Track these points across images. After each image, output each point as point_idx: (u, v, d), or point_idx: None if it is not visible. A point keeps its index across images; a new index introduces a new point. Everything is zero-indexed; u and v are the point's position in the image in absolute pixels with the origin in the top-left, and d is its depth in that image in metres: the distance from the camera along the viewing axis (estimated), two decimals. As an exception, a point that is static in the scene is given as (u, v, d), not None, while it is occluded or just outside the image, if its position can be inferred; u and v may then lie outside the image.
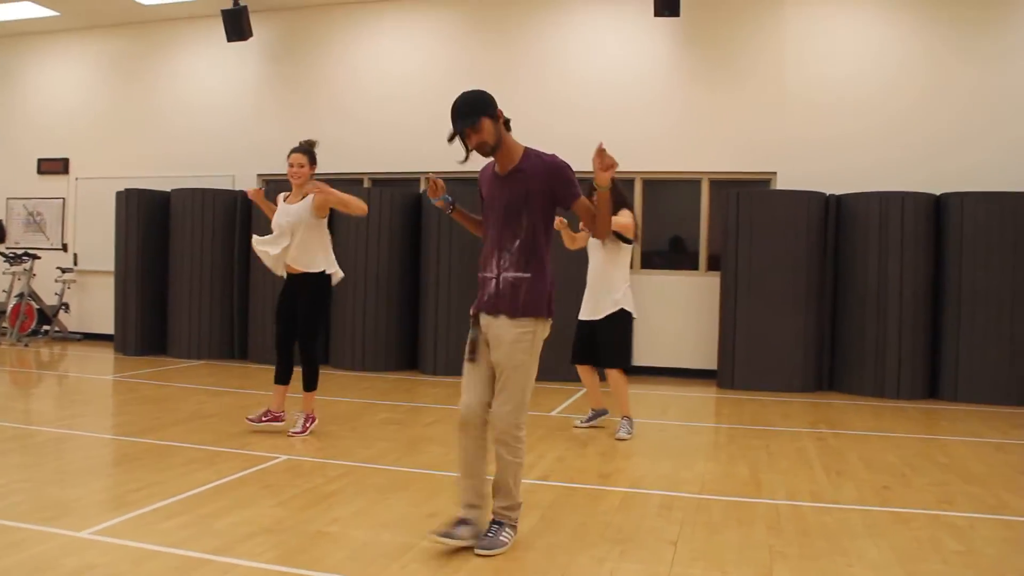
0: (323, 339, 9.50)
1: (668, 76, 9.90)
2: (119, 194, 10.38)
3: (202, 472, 4.90)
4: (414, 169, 10.57)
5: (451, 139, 3.71)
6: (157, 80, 11.71)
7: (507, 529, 3.78)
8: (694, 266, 9.85)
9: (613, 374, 6.31)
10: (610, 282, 6.26)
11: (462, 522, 3.78)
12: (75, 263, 11.95)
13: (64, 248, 12.12)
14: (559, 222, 5.76)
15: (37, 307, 11.55)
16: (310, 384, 6.06)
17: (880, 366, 8.31)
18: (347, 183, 10.62)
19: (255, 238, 6.02)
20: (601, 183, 3.69)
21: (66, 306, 11.78)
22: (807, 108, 9.41)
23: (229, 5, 10.37)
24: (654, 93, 9.90)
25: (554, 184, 3.69)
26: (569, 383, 8.42)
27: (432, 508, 4.34)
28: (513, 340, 3.70)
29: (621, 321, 6.28)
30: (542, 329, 3.77)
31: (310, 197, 5.83)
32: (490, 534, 3.75)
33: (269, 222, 6.07)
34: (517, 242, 3.70)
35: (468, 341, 3.85)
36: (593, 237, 3.82)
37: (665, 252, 10.10)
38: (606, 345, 6.28)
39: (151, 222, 10.24)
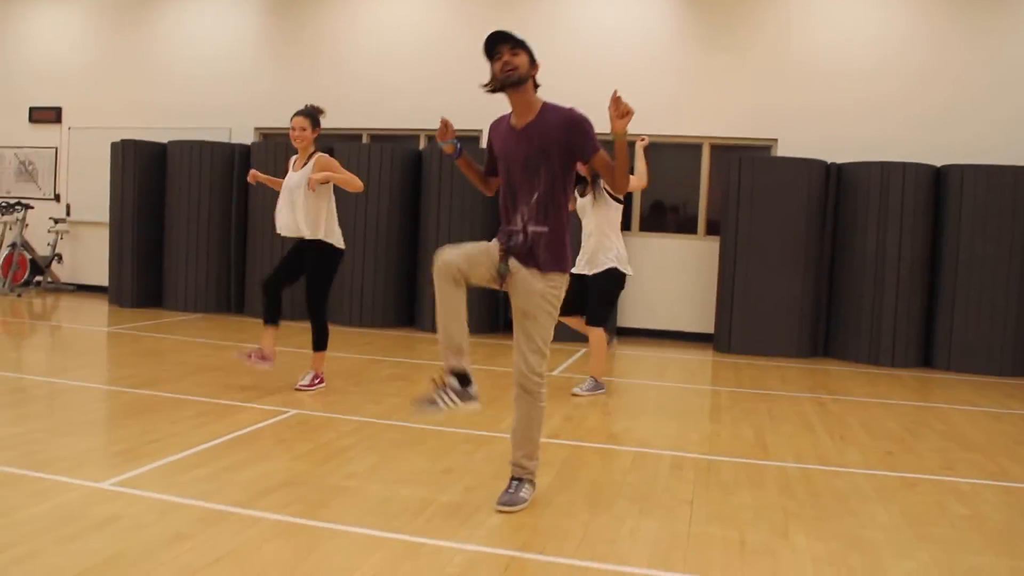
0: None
1: (671, 40, 9.84)
2: (114, 145, 10.24)
3: (214, 425, 4.91)
4: (413, 126, 10.50)
5: (488, 49, 3.61)
6: (153, 30, 11.49)
7: (527, 485, 3.83)
8: (693, 230, 9.89)
9: (595, 333, 6.35)
10: (607, 240, 6.31)
11: (457, 378, 3.65)
12: (68, 213, 11.81)
13: (56, 198, 11.98)
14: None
15: (30, 257, 11.43)
16: (320, 344, 6.09)
17: (876, 334, 8.42)
18: (346, 139, 10.55)
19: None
20: (618, 131, 3.53)
21: (59, 257, 11.67)
22: (810, 76, 9.40)
23: (228, -47, 10.18)
24: (657, 57, 9.84)
25: (572, 136, 3.63)
26: (569, 342, 8.47)
27: (448, 464, 4.38)
28: (542, 293, 3.68)
29: (615, 279, 6.33)
30: (565, 282, 3.78)
31: (312, 162, 5.86)
32: (510, 491, 3.79)
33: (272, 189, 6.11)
34: (536, 195, 3.66)
35: (498, 273, 3.70)
36: (613, 192, 3.77)
37: (664, 216, 10.12)
38: (594, 301, 6.33)
39: (147, 174, 10.12)
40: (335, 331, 8.89)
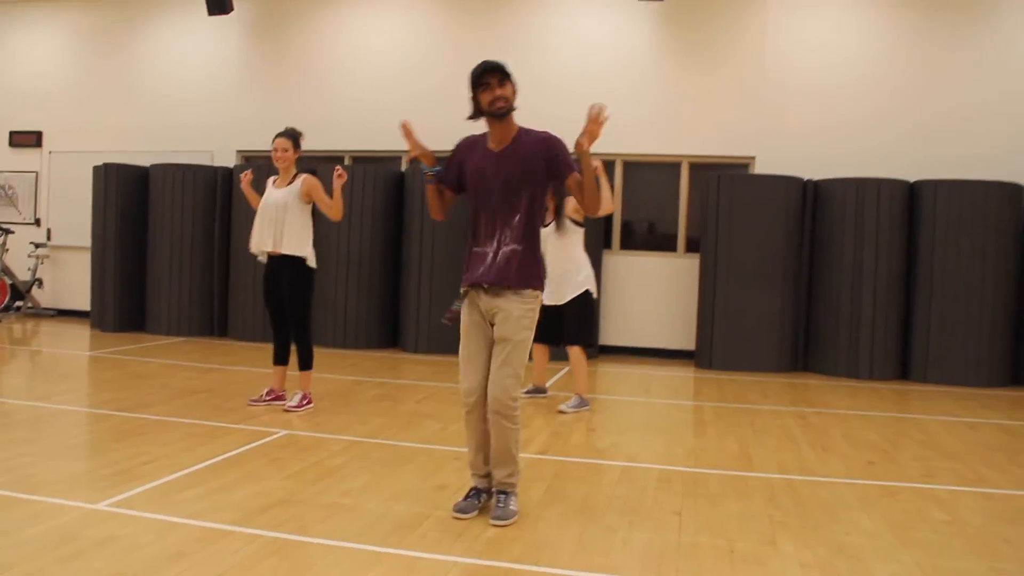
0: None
1: (650, 60, 10.02)
2: (96, 168, 10.25)
3: (205, 446, 4.93)
4: (396, 148, 10.58)
5: (477, 77, 3.72)
6: (134, 53, 11.53)
7: (513, 498, 3.91)
8: (673, 248, 10.03)
9: (575, 351, 6.48)
10: (573, 265, 6.48)
11: (477, 492, 3.95)
12: (48, 238, 11.77)
13: (37, 223, 11.93)
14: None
15: (10, 282, 11.37)
16: (306, 364, 6.15)
17: (854, 347, 8.56)
18: (328, 160, 10.60)
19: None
20: (583, 150, 3.66)
21: (39, 281, 11.61)
22: (786, 94, 9.60)
23: (209, -22, 10.26)
24: (636, 76, 10.01)
25: (550, 158, 3.77)
26: (552, 360, 8.54)
27: (440, 480, 4.44)
28: (520, 315, 3.81)
29: (586, 301, 6.49)
30: (539, 301, 3.90)
31: (298, 182, 5.95)
32: (500, 505, 3.86)
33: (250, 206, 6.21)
34: (517, 216, 3.78)
35: (450, 310, 3.94)
36: (586, 211, 3.88)
37: (644, 233, 10.26)
38: (571, 324, 6.45)
39: (129, 197, 10.13)
40: (319, 353, 8.95)
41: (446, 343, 9.30)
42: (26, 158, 11.98)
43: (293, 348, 6.17)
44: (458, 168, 3.93)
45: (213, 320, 10.11)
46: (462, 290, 3.92)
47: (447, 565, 3.28)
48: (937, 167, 8.96)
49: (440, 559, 3.34)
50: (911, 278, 8.58)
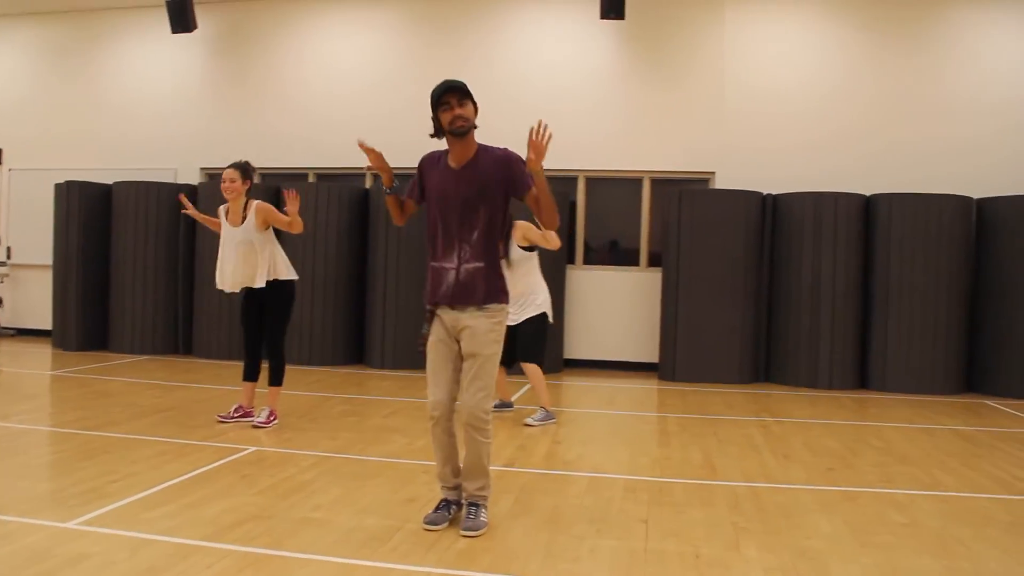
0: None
1: (611, 77, 10.19)
2: (59, 186, 10.16)
3: (174, 464, 4.93)
4: (359, 165, 10.62)
5: (437, 97, 3.79)
6: (96, 70, 11.45)
7: (484, 510, 3.98)
8: (635, 262, 10.18)
9: (531, 368, 6.59)
10: (531, 289, 6.59)
11: (447, 504, 4.01)
12: (8, 256, 11.60)
13: (-5, 241, 11.78)
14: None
15: (-33, 302, 11.19)
16: (277, 380, 6.18)
17: (813, 358, 8.76)
18: (292, 178, 10.63)
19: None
20: (534, 168, 3.74)
21: (-2, 301, 11.45)
22: (745, 111, 9.82)
23: (173, -4, 10.25)
24: (598, 94, 10.17)
25: (509, 175, 3.85)
26: (518, 375, 8.61)
27: (409, 493, 4.48)
28: (487, 330, 3.88)
29: (542, 322, 6.62)
30: (506, 314, 3.99)
31: (251, 214, 5.98)
32: (471, 516, 3.93)
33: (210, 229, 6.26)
34: (475, 233, 3.86)
35: (422, 335, 4.00)
36: (543, 226, 3.97)
37: (607, 249, 10.40)
38: (525, 341, 6.58)
39: (92, 215, 10.05)
40: (287, 369, 8.96)
41: (412, 359, 9.34)
42: (-16, 176, 11.83)
43: (263, 365, 6.19)
44: (419, 181, 4.03)
45: (178, 338, 10.04)
46: (427, 311, 3.98)
47: (420, 576, 3.34)
48: (892, 181, 9.22)
49: (412, 570, 3.39)
50: (868, 290, 8.80)
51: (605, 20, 9.63)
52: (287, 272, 6.08)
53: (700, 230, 9.05)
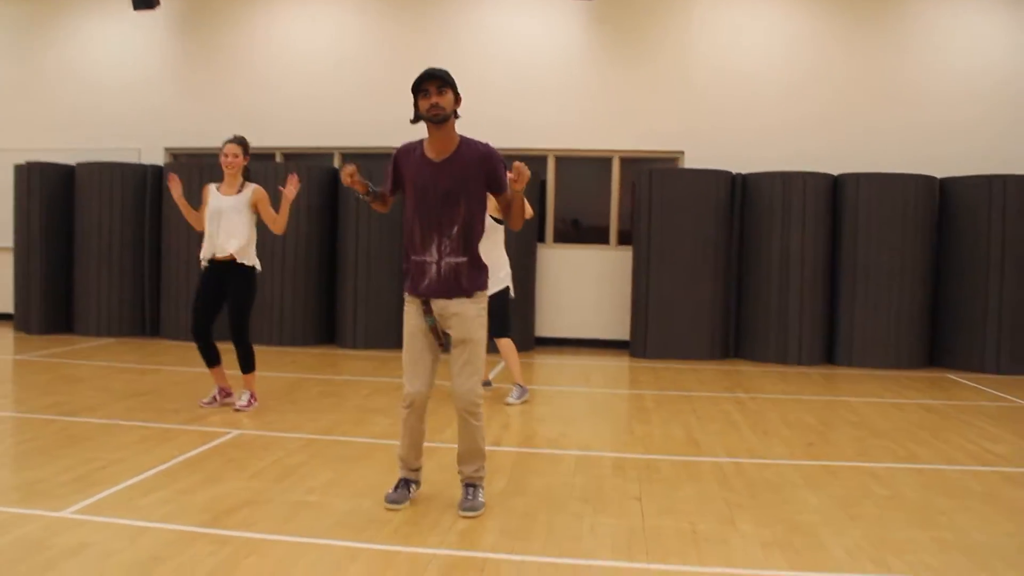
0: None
1: (581, 57, 10.18)
2: (19, 167, 9.87)
3: (160, 449, 4.87)
4: (328, 144, 10.51)
5: (416, 84, 3.78)
6: (57, 49, 11.06)
7: (481, 490, 4.02)
8: (605, 240, 10.24)
9: (505, 343, 6.62)
10: (496, 264, 6.58)
11: (406, 483, 4.08)
12: (-36, 238, 11.26)
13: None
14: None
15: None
16: (250, 366, 6.12)
17: (782, 334, 8.92)
18: (259, 158, 10.43)
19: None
20: (516, 191, 3.84)
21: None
22: (714, 91, 9.91)
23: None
24: (567, 73, 10.16)
25: (489, 171, 3.87)
26: (491, 354, 8.65)
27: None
28: (475, 316, 3.91)
29: (505, 295, 6.62)
30: (486, 298, 4.01)
31: (248, 191, 5.95)
32: (469, 497, 3.96)
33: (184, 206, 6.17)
34: (456, 227, 3.84)
35: (425, 327, 3.93)
36: (510, 226, 4.06)
37: (577, 227, 10.44)
38: (494, 318, 6.56)
39: (54, 196, 9.79)
40: (259, 350, 8.85)
41: (384, 339, 9.32)
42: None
43: (222, 348, 6.17)
44: (395, 173, 3.99)
45: (144, 320, 9.86)
46: (423, 304, 3.92)
47: (425, 558, 3.36)
48: (858, 163, 9.39)
49: (417, 551, 3.41)
50: (835, 267, 8.98)
51: (575, 1, 9.61)
52: (255, 259, 6.04)
53: (671, 209, 9.13)
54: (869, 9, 9.74)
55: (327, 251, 9.62)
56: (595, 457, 5.02)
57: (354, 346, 9.34)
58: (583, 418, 6.23)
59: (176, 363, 8.04)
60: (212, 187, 6.06)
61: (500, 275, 6.61)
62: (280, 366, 8.05)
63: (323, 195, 9.55)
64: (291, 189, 5.82)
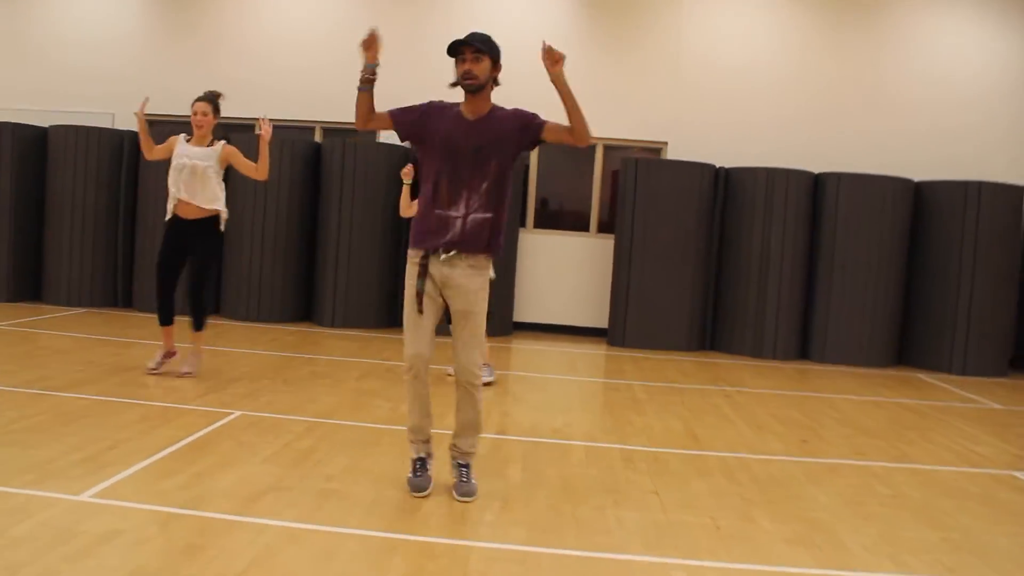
0: (213, 287, 9.27)
1: (569, 42, 10.08)
2: (-13, 126, 9.49)
3: (164, 429, 4.77)
4: (310, 117, 10.33)
5: (451, 51, 3.82)
6: (31, 7, 10.61)
7: (474, 471, 4.09)
8: (585, 228, 10.29)
9: None
10: None
11: (423, 462, 4.08)
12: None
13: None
14: (406, 172, 6.27)
15: None
16: (203, 325, 6.22)
17: (759, 328, 9.09)
18: (238, 128, 10.22)
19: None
20: (556, 76, 3.77)
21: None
22: (700, 84, 9.99)
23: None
24: (556, 58, 10.11)
25: (521, 121, 3.89)
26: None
27: (420, 463, 4.48)
28: (478, 288, 3.94)
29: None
30: (490, 271, 4.05)
31: (219, 146, 6.06)
32: (464, 480, 4.01)
33: (163, 169, 6.23)
34: (486, 184, 3.87)
35: (415, 292, 3.89)
36: (576, 143, 3.98)
37: (558, 213, 10.47)
38: None
39: (25, 159, 9.41)
40: (234, 326, 8.79)
41: (365, 318, 9.25)
42: None
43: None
44: (420, 120, 3.91)
45: (117, 290, 9.59)
46: (420, 265, 3.88)
47: (463, 550, 3.37)
48: (838, 162, 9.58)
49: (454, 544, 3.43)
50: (813, 264, 9.17)
51: (568, -16, 9.59)
52: (222, 205, 6.09)
53: (654, 199, 9.20)
54: (856, 13, 9.91)
55: (307, 226, 9.48)
56: (603, 448, 5.08)
57: (332, 324, 9.25)
58: (580, 407, 6.30)
59: (156, 337, 7.76)
60: (181, 137, 6.09)
61: None
62: (262, 343, 7.94)
63: (308, 168, 9.40)
64: (266, 130, 5.91)
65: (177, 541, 3.25)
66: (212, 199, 6.02)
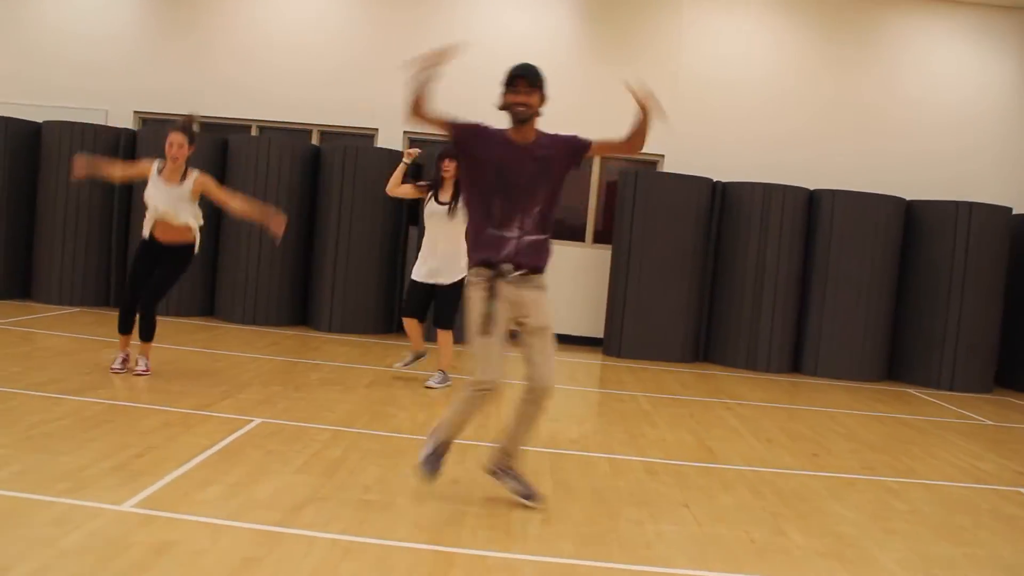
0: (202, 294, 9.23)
1: (568, 53, 10.25)
2: (-20, 120, 9.32)
3: (188, 436, 4.74)
4: (307, 120, 10.29)
5: (508, 78, 3.96)
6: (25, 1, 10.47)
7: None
8: (581, 238, 10.37)
9: (447, 334, 6.77)
10: (460, 250, 6.61)
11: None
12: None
13: None
14: (410, 152, 6.60)
15: None
16: (151, 336, 6.26)
17: (753, 341, 9.24)
18: (233, 128, 10.16)
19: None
20: (644, 111, 4.16)
21: None
22: (697, 100, 10.13)
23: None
24: (554, 67, 9.93)
25: (569, 147, 4.08)
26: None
27: (454, 474, 4.47)
28: (546, 303, 4.09)
29: (462, 288, 6.67)
30: None
31: (190, 181, 6.05)
32: (525, 481, 4.14)
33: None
34: (538, 208, 4.00)
35: (483, 315, 3.94)
36: (630, 152, 4.22)
37: (555, 223, 10.52)
38: (446, 307, 6.73)
39: (16, 155, 9.26)
40: (231, 329, 8.73)
41: (361, 324, 9.23)
42: None
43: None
44: (474, 139, 3.97)
45: (109, 289, 9.47)
46: (487, 287, 3.94)
47: (518, 564, 3.40)
48: (832, 180, 9.77)
49: (508, 557, 3.45)
50: (806, 279, 9.33)
51: (570, -5, 9.68)
52: (196, 233, 6.17)
53: (652, 212, 9.31)
54: (852, 34, 10.14)
55: (304, 230, 9.44)
56: (625, 461, 5.14)
57: (329, 329, 9.22)
58: (591, 419, 6.36)
59: (161, 339, 7.75)
60: (154, 166, 6.05)
61: (460, 264, 6.59)
62: (263, 348, 7.89)
63: (306, 172, 9.36)
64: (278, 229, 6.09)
65: (232, 553, 3.23)
66: (187, 229, 6.09)
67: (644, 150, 9.84)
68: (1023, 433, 7.20)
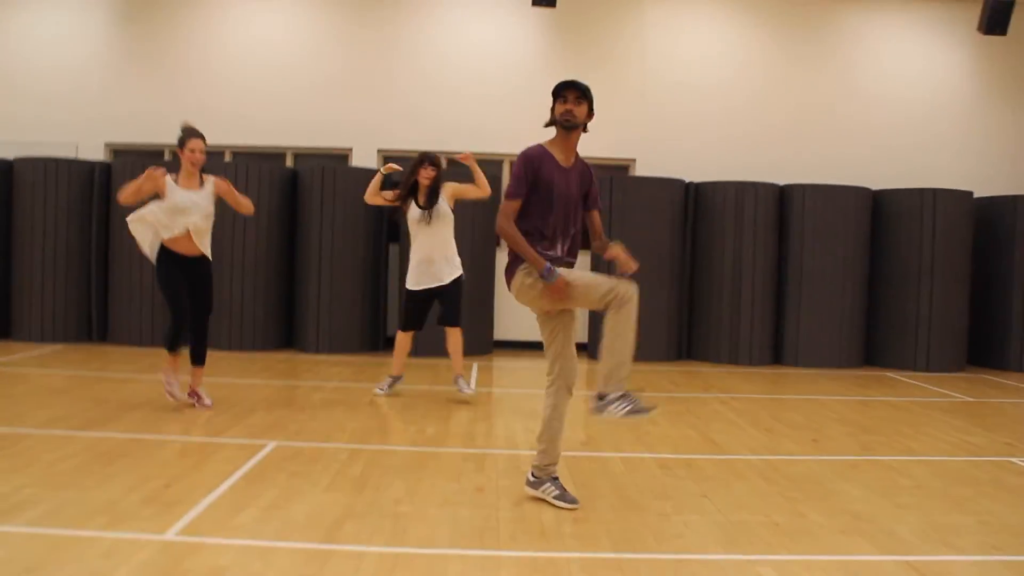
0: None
1: (537, 63, 10.42)
2: (-51, 160, 9.19)
3: (210, 464, 4.76)
4: (279, 143, 10.30)
5: (557, 89, 4.13)
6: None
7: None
8: (558, 245, 10.51)
9: (456, 332, 6.83)
10: (451, 250, 6.81)
11: (556, 479, 4.37)
12: None
13: None
14: (388, 168, 6.80)
15: None
16: (204, 360, 6.26)
17: (735, 336, 9.46)
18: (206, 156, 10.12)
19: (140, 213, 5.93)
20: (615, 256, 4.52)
21: None
22: (665, 104, 10.39)
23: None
24: (523, 78, 10.37)
25: (594, 187, 4.37)
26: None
27: (472, 483, 4.58)
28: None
29: (462, 283, 6.88)
30: None
31: (210, 185, 6.05)
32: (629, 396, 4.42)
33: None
34: (574, 229, 4.27)
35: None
36: (596, 251, 4.49)
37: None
38: (452, 305, 6.80)
39: (-11, 192, 9.17)
40: (221, 355, 8.70)
41: (348, 343, 9.26)
42: None
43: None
44: (533, 179, 4.10)
45: (91, 324, 9.38)
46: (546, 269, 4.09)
47: (564, 562, 3.50)
48: (800, 174, 10.08)
49: (553, 556, 3.56)
50: (782, 272, 9.59)
51: (536, 7, 9.83)
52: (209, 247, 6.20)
53: (628, 214, 9.49)
54: (815, 35, 10.51)
55: (285, 253, 9.46)
56: (637, 459, 5.27)
57: (317, 350, 9.23)
58: (594, 421, 6.45)
59: (146, 370, 7.70)
60: (169, 179, 5.92)
61: (455, 261, 6.83)
62: (256, 372, 7.90)
63: (285, 196, 9.38)
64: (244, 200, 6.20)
65: (289, 573, 3.29)
66: (208, 243, 6.11)
67: (615, 155, 10.33)
68: (1001, 407, 7.51)
